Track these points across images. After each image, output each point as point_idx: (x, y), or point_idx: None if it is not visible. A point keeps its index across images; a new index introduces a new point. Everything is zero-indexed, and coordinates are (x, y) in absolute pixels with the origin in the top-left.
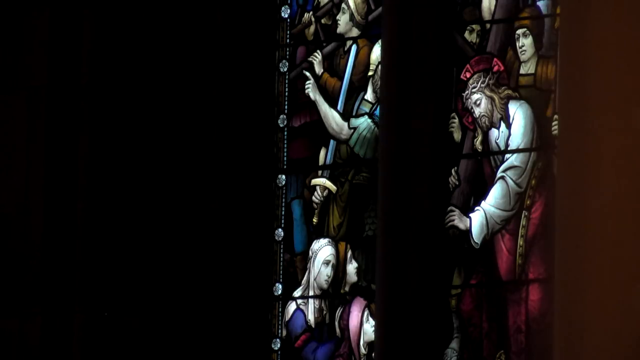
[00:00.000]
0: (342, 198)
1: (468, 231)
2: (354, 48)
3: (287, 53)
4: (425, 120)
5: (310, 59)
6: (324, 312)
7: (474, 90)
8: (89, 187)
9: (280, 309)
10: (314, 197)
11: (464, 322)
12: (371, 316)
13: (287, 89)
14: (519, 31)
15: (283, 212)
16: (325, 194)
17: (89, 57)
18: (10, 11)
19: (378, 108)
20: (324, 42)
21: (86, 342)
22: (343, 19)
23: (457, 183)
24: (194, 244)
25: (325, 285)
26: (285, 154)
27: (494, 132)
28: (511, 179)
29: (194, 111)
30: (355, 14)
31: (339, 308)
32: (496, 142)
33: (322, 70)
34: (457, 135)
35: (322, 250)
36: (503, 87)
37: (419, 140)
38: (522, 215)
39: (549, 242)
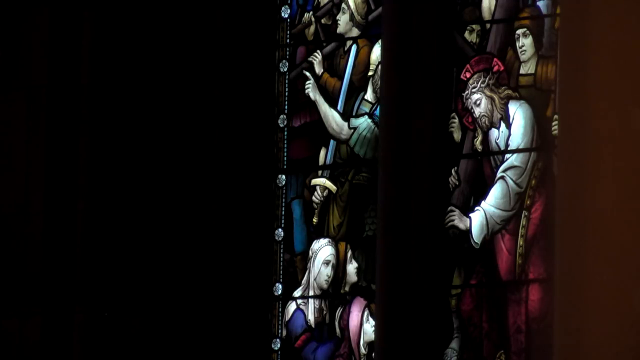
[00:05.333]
0: (342, 198)
1: (468, 231)
2: (354, 48)
3: (287, 53)
4: (425, 120)
5: (310, 59)
6: (324, 312)
7: (474, 90)
8: (89, 187)
9: (280, 309)
10: (314, 197)
11: (464, 322)
12: (371, 316)
13: (287, 89)
14: (519, 31)
15: (283, 212)
16: (325, 194)
17: (89, 57)
18: (10, 11)
19: (378, 108)
20: (324, 42)
21: (86, 342)
22: (343, 19)
23: (457, 183)
24: (194, 244)
25: (325, 285)
26: (285, 154)
27: (494, 132)
28: (511, 179)
29: (194, 111)
30: (355, 14)
31: (339, 308)
32: (496, 142)
33: (322, 70)
34: (457, 135)
35: (322, 250)
36: (503, 87)
37: (419, 140)
38: (522, 215)
39: (549, 242)
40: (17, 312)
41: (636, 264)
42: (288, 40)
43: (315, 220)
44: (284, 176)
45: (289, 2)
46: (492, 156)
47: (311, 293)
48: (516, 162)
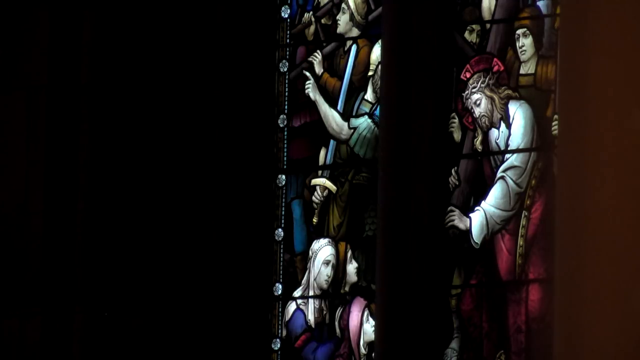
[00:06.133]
0: (342, 198)
1: (468, 231)
2: (354, 48)
3: (287, 53)
4: (425, 120)
5: (310, 59)
6: (324, 312)
7: (474, 90)
8: (89, 187)
9: (280, 309)
10: (314, 197)
11: (464, 322)
12: (371, 316)
13: (287, 89)
14: (519, 31)
15: (283, 212)
16: (325, 194)
17: (89, 57)
18: (10, 11)
19: (378, 108)
20: (324, 42)
21: (86, 342)
22: (343, 19)
23: (457, 183)
24: (194, 244)
25: (325, 285)
26: (285, 154)
27: (494, 132)
28: (511, 179)
29: (194, 111)
30: (355, 14)
31: (339, 308)
32: (496, 142)
33: (322, 70)
34: (457, 135)
35: (322, 250)
36: (503, 87)
37: (419, 140)
38: (522, 215)
39: (549, 242)
40: (17, 312)
41: (636, 264)
42: (288, 40)
43: (315, 220)
44: (284, 176)
45: (289, 2)
46: (492, 156)
47: (311, 293)
48: (516, 162)
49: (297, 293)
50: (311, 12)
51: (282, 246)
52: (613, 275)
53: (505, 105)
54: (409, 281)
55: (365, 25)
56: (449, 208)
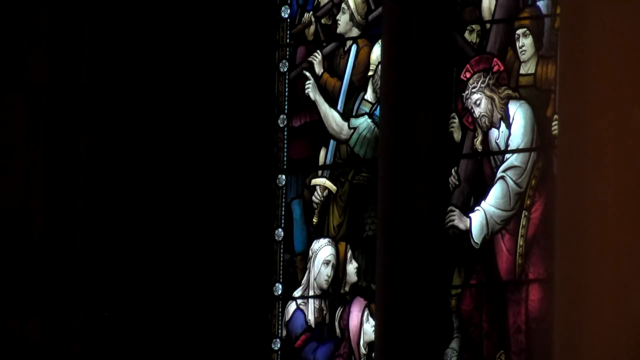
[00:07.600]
0: (342, 198)
1: (468, 231)
2: (354, 48)
3: (287, 53)
4: (425, 120)
5: (310, 59)
6: (324, 312)
7: (474, 90)
8: (89, 187)
9: (280, 309)
10: (314, 197)
11: (464, 322)
12: (371, 316)
13: (287, 89)
14: (519, 31)
15: (283, 212)
16: (325, 194)
17: (89, 57)
18: (10, 11)
19: (378, 108)
20: (324, 42)
21: (86, 341)
22: (343, 19)
23: (457, 183)
24: (194, 244)
25: (325, 285)
26: (285, 154)
27: (494, 132)
28: (511, 179)
29: (194, 111)
30: (355, 14)
31: (339, 308)
32: (496, 142)
33: (322, 70)
34: (457, 135)
35: (322, 250)
36: (503, 87)
37: (419, 140)
38: (522, 215)
39: (549, 242)
40: (17, 312)
41: (636, 264)
42: (288, 40)
43: (315, 220)
44: (284, 176)
45: (289, 2)
46: (492, 156)
47: (311, 293)
48: (516, 162)
49: (297, 293)
50: (311, 12)
51: (282, 246)
52: (613, 275)
53: (505, 105)
54: (409, 281)
55: (365, 25)
56: (449, 208)
